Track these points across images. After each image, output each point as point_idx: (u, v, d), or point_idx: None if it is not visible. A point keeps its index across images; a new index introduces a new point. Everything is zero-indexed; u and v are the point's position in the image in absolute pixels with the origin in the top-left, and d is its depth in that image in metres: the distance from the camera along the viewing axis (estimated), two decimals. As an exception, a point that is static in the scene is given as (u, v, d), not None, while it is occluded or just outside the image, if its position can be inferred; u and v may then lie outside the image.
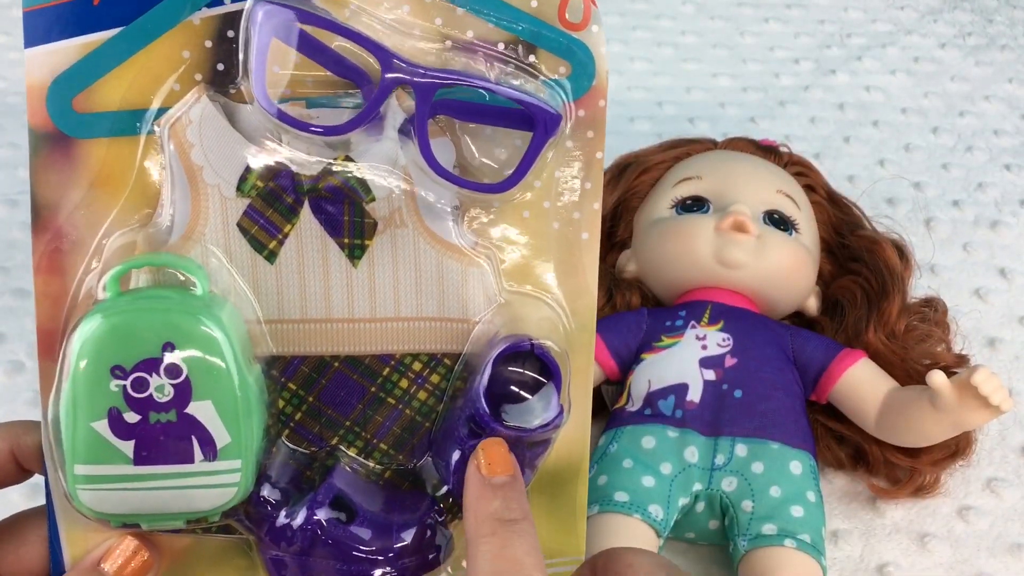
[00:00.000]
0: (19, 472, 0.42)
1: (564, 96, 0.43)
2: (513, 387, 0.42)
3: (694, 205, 0.63)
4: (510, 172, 0.43)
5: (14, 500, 0.46)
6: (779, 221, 0.62)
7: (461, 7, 0.42)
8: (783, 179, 0.65)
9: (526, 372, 0.42)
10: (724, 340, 0.59)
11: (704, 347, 0.59)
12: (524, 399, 0.42)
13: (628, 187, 0.67)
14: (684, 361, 0.58)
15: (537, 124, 0.42)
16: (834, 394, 0.59)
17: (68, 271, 0.41)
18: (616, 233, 0.67)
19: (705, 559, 0.57)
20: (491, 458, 0.39)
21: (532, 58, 0.42)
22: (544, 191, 0.44)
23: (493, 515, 0.38)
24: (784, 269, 0.61)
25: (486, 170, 0.44)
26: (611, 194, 0.66)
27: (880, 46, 0.95)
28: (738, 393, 0.57)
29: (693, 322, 0.60)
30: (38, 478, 0.43)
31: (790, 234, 0.62)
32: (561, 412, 0.42)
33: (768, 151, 0.68)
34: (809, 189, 0.67)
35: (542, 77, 0.42)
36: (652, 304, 0.63)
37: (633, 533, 0.53)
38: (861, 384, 0.59)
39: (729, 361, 0.58)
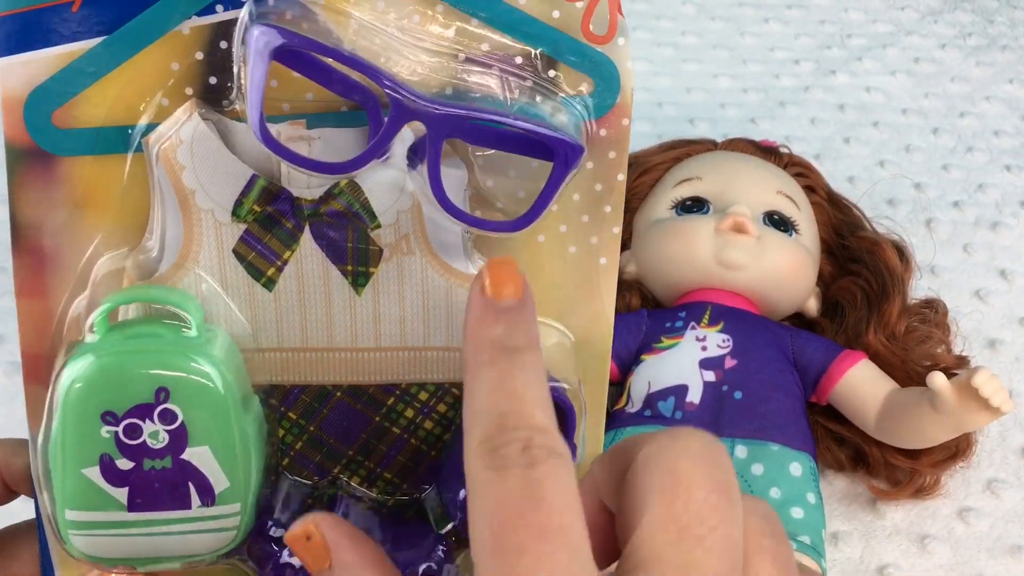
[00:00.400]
0: (6, 493, 0.41)
1: (585, 115, 0.40)
2: None
3: (694, 206, 0.63)
4: (525, 196, 0.41)
5: (13, 508, 0.46)
6: (779, 222, 0.62)
7: (476, 17, 0.39)
8: (783, 180, 0.65)
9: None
10: (724, 341, 0.59)
11: (704, 348, 0.59)
12: None
13: (628, 188, 0.66)
14: (684, 362, 0.58)
15: (557, 156, 0.39)
16: (834, 396, 0.59)
17: (51, 294, 0.39)
18: None
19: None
20: (498, 277, 0.34)
21: (552, 73, 0.40)
22: (561, 214, 0.41)
23: (494, 342, 0.32)
24: (784, 270, 0.61)
25: (500, 194, 0.41)
26: None
27: (880, 47, 0.95)
28: (738, 394, 0.57)
29: (693, 323, 0.60)
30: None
31: (790, 235, 0.62)
32: (574, 453, 0.41)
33: (768, 152, 0.68)
34: (809, 190, 0.67)
35: (562, 95, 0.40)
36: (652, 305, 0.63)
37: (633, 535, 0.53)
38: (861, 385, 0.59)
39: (729, 362, 0.58)
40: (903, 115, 0.87)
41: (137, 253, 0.39)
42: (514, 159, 0.41)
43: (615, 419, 0.59)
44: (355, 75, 0.39)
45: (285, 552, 0.40)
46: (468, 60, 0.39)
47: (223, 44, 0.37)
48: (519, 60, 0.39)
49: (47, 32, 0.36)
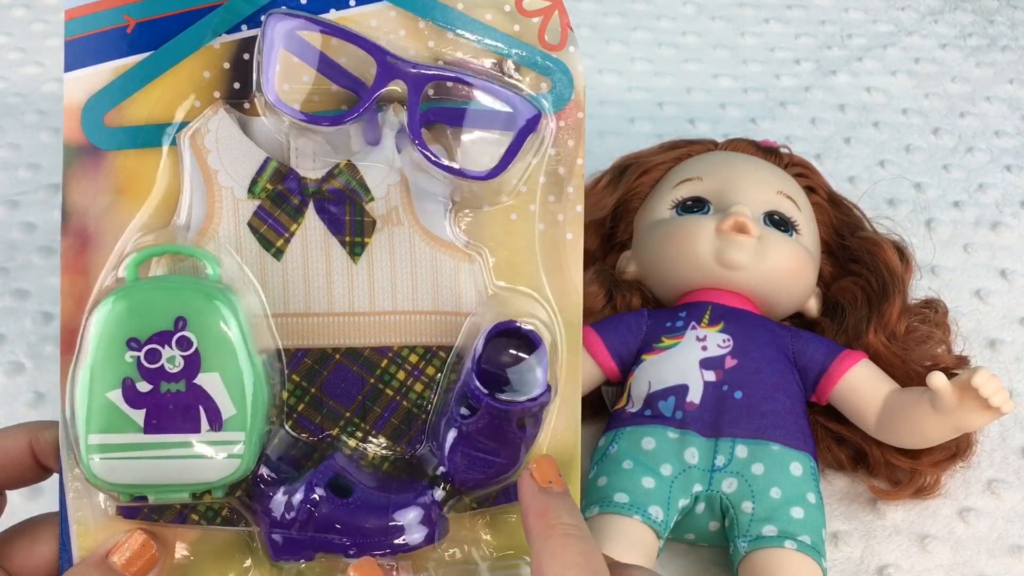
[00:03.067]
0: (39, 470, 0.45)
1: (546, 108, 0.47)
2: (504, 367, 0.45)
3: (694, 206, 0.63)
4: (496, 164, 0.46)
5: (15, 502, 0.47)
6: (779, 222, 0.62)
7: (451, 31, 0.46)
8: (784, 180, 0.65)
9: (518, 353, 0.45)
10: (724, 341, 0.59)
11: (704, 348, 0.59)
12: (514, 377, 0.45)
13: (628, 188, 0.67)
14: (684, 362, 0.58)
15: (519, 119, 0.46)
16: (834, 396, 0.59)
17: (92, 271, 0.45)
18: (616, 234, 0.67)
19: (705, 560, 0.57)
20: (542, 470, 0.42)
21: (516, 75, 0.46)
22: (530, 195, 0.47)
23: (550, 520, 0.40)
24: (784, 270, 0.61)
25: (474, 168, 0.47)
26: (611, 195, 0.66)
27: (881, 47, 0.95)
28: (738, 394, 0.57)
29: (694, 323, 0.60)
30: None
31: (790, 235, 0.62)
32: (549, 389, 0.44)
33: (769, 152, 0.68)
34: (809, 190, 0.67)
35: (526, 92, 0.46)
36: (652, 305, 0.63)
37: (633, 534, 0.53)
38: (861, 386, 0.59)
39: (729, 362, 0.58)
40: (903, 115, 0.87)
41: (167, 228, 0.45)
42: (486, 146, 0.46)
43: (615, 419, 0.59)
44: (350, 67, 0.45)
45: (281, 491, 0.44)
46: (445, 64, 0.46)
47: (246, 55, 0.45)
48: (488, 64, 0.46)
49: (107, 50, 0.45)
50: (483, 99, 0.46)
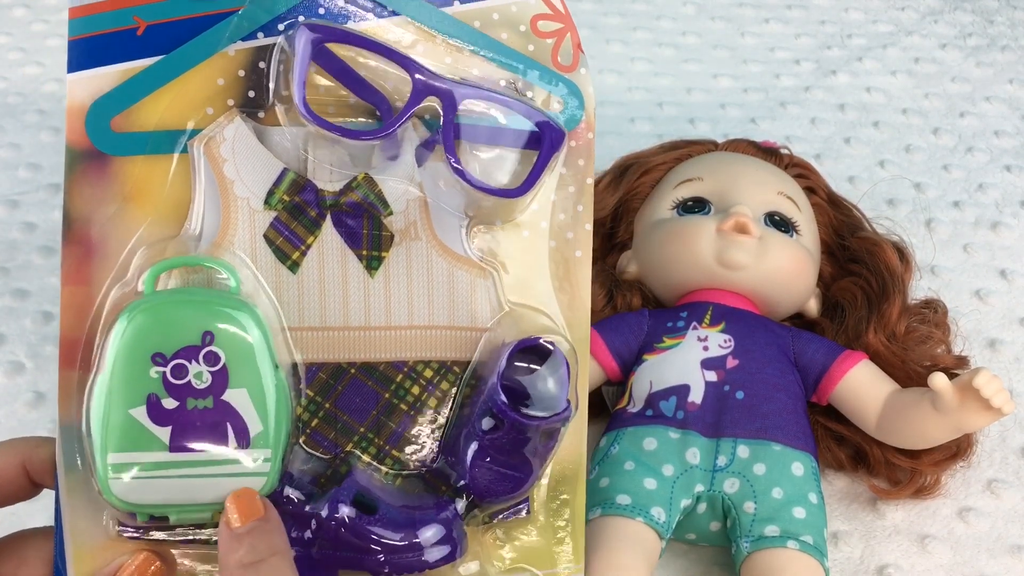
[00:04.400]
0: (31, 487, 0.43)
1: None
2: (526, 383, 0.45)
3: (695, 206, 0.63)
4: (521, 182, 0.46)
5: (16, 510, 0.46)
6: (780, 222, 0.62)
7: (468, 48, 0.45)
8: (784, 181, 0.65)
9: (540, 368, 0.45)
10: (726, 341, 0.59)
11: (706, 348, 0.59)
12: (536, 393, 0.45)
13: (629, 188, 0.66)
14: (686, 362, 0.58)
15: (544, 138, 0.45)
16: (835, 396, 0.59)
17: (94, 282, 0.43)
18: (617, 234, 0.67)
19: (707, 560, 0.57)
20: (238, 508, 0.39)
21: (529, 95, 0.46)
22: (541, 213, 0.47)
23: (237, 563, 0.38)
24: (785, 270, 0.61)
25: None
26: (612, 195, 0.66)
27: (881, 47, 0.95)
28: (740, 394, 0.57)
29: (695, 323, 0.60)
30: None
31: (791, 236, 0.62)
32: (569, 405, 0.44)
33: (769, 153, 0.68)
34: (810, 191, 0.67)
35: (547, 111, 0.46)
36: (653, 305, 0.63)
37: (636, 536, 0.53)
38: (862, 386, 0.58)
39: (731, 362, 0.58)
40: (903, 115, 0.87)
41: (178, 238, 0.44)
42: (507, 164, 0.46)
43: (616, 419, 0.59)
44: (371, 76, 0.45)
45: (306, 510, 0.43)
46: (462, 81, 0.45)
47: (261, 64, 0.44)
48: (503, 83, 0.46)
49: (115, 52, 0.43)
50: (508, 116, 0.45)
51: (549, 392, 0.44)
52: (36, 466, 0.42)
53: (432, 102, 0.44)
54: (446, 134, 0.44)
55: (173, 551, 0.43)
